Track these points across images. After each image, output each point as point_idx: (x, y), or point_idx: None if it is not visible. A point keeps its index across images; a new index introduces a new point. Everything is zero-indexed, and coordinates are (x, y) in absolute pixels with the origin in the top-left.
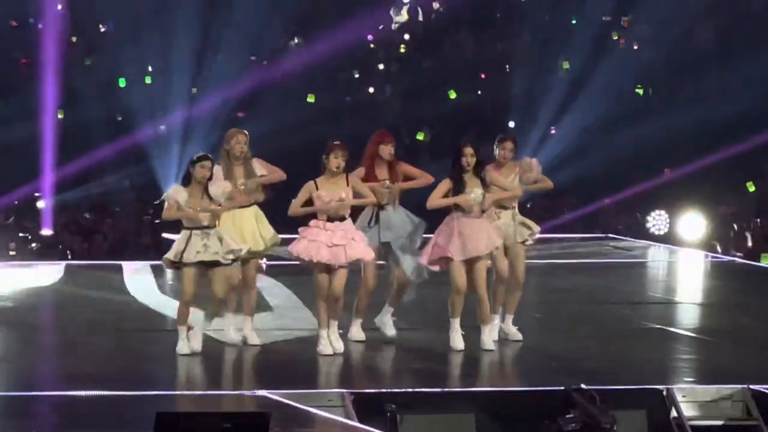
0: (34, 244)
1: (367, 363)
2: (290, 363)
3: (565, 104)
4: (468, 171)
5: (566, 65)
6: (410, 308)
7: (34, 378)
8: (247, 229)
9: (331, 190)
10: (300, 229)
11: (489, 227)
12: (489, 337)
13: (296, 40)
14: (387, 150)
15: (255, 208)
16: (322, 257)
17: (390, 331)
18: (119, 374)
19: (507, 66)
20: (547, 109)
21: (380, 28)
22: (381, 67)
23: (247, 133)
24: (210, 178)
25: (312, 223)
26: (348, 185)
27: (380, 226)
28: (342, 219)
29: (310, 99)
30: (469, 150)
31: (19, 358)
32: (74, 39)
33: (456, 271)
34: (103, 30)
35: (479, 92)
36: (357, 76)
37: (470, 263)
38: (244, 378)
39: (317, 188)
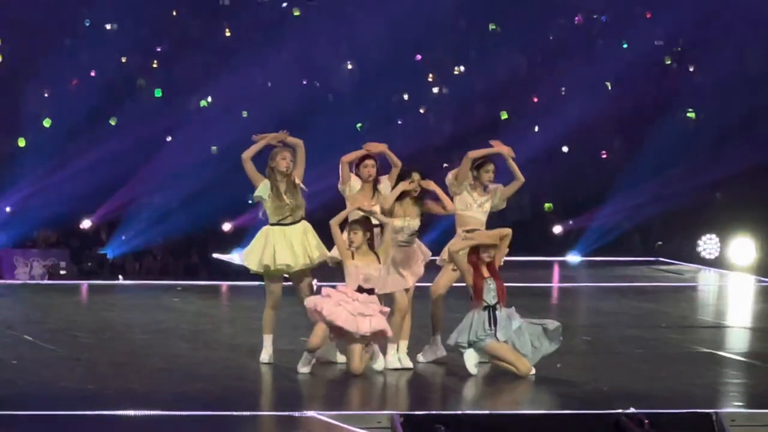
0: (88, 263)
1: (417, 385)
2: (340, 384)
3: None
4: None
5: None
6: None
7: (82, 397)
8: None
9: (364, 263)
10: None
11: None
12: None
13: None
14: None
15: (304, 223)
16: (337, 318)
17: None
18: (168, 394)
19: (563, 89)
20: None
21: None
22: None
23: (290, 151)
24: (375, 179)
25: (340, 287)
26: (380, 263)
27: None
28: (370, 292)
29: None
30: (417, 176)
31: (67, 376)
32: None
33: None
34: None
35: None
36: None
37: None
38: (292, 398)
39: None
